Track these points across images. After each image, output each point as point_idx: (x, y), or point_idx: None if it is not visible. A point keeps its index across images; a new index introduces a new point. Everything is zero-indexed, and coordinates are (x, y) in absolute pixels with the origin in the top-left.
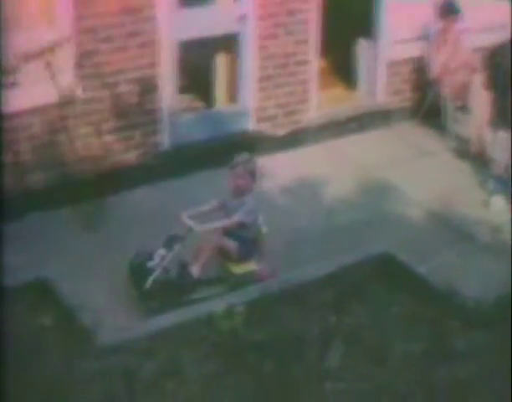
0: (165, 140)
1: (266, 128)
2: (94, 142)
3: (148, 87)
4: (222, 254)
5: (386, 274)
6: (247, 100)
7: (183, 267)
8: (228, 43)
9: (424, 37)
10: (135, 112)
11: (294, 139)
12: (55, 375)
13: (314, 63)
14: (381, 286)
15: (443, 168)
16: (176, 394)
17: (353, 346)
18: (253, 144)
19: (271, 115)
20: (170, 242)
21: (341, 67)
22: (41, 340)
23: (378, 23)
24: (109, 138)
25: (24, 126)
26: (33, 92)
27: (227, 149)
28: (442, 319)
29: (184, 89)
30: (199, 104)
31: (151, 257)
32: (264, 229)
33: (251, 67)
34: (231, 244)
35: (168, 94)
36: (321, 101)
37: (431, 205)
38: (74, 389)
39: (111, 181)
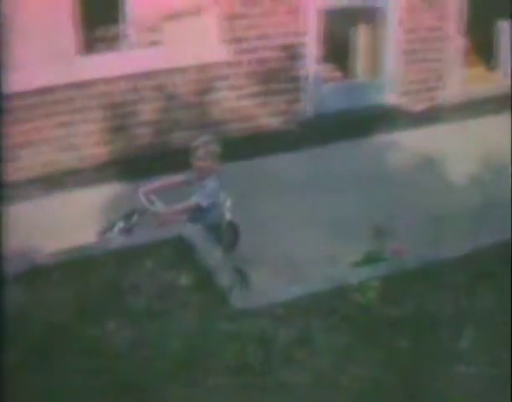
0: (307, 108)
1: (405, 103)
2: (239, 106)
3: (293, 54)
4: None
5: None
6: (388, 73)
7: None
8: (372, 14)
9: None
10: (280, 79)
11: (432, 116)
12: (189, 334)
13: (457, 40)
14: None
15: None
16: (306, 364)
17: (484, 330)
18: (391, 118)
19: (411, 90)
20: (129, 216)
21: (484, 47)
22: (177, 298)
23: None
24: (253, 102)
25: (169, 85)
26: (176, 52)
27: (366, 121)
28: None
29: (326, 58)
30: (340, 74)
31: (111, 228)
32: (228, 216)
33: (393, 40)
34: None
35: (312, 62)
36: (461, 80)
37: None
38: (208, 349)
39: (253, 145)
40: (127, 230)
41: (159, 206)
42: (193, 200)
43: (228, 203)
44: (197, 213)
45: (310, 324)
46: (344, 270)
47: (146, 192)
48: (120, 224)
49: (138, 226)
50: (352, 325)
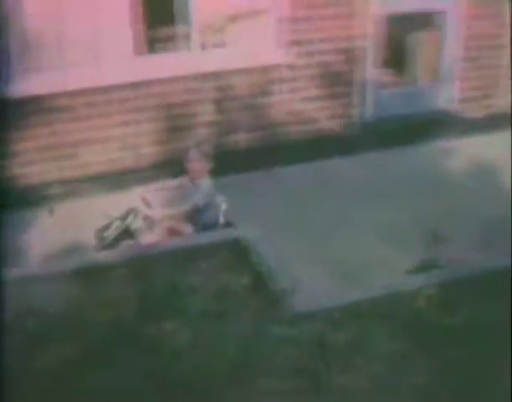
0: (366, 112)
1: (463, 109)
2: (298, 108)
3: (353, 58)
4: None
5: None
6: (446, 79)
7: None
8: (432, 20)
9: None
10: (339, 82)
11: (489, 123)
12: (245, 336)
13: None
14: None
15: None
16: (361, 369)
17: None
18: (448, 124)
19: (469, 97)
20: (126, 215)
21: None
22: (233, 300)
23: None
24: (312, 106)
25: (228, 86)
26: (237, 54)
27: (424, 126)
28: None
29: (386, 63)
30: (400, 79)
31: (108, 227)
32: (222, 218)
33: (452, 46)
34: (186, 229)
35: (371, 67)
36: None
37: None
38: (263, 352)
39: (311, 148)
40: (123, 230)
41: (156, 208)
42: (191, 203)
43: (224, 206)
44: (193, 214)
45: (366, 329)
46: (400, 276)
47: (143, 194)
48: (117, 223)
49: (134, 226)
50: (408, 332)
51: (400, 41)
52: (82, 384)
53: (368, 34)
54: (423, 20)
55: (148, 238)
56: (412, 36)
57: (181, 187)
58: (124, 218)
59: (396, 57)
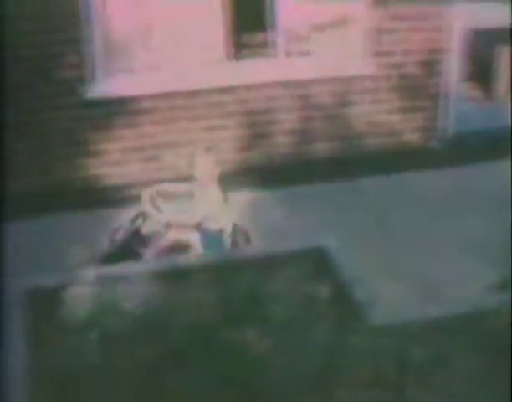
0: (448, 127)
1: None
2: (379, 120)
3: (436, 71)
4: (182, 246)
5: None
6: None
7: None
8: None
9: None
10: (422, 95)
11: None
12: (325, 346)
13: None
14: None
15: None
16: (440, 386)
17: None
18: None
19: None
20: (135, 218)
21: None
22: (313, 309)
23: None
24: (393, 118)
25: (311, 95)
26: (321, 63)
27: (507, 142)
28: None
29: (470, 77)
30: (483, 94)
31: (119, 229)
32: (231, 223)
33: None
34: (192, 237)
35: (455, 81)
36: None
37: None
38: (342, 362)
39: (392, 160)
40: (132, 232)
41: (165, 213)
42: (200, 214)
43: (234, 211)
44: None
45: (446, 345)
46: (481, 292)
47: (151, 196)
48: (126, 226)
49: (144, 229)
50: (488, 349)
51: (484, 56)
52: (159, 386)
53: (452, 48)
54: (508, 36)
55: (158, 243)
56: (495, 51)
57: (190, 193)
58: (133, 220)
59: (480, 72)
